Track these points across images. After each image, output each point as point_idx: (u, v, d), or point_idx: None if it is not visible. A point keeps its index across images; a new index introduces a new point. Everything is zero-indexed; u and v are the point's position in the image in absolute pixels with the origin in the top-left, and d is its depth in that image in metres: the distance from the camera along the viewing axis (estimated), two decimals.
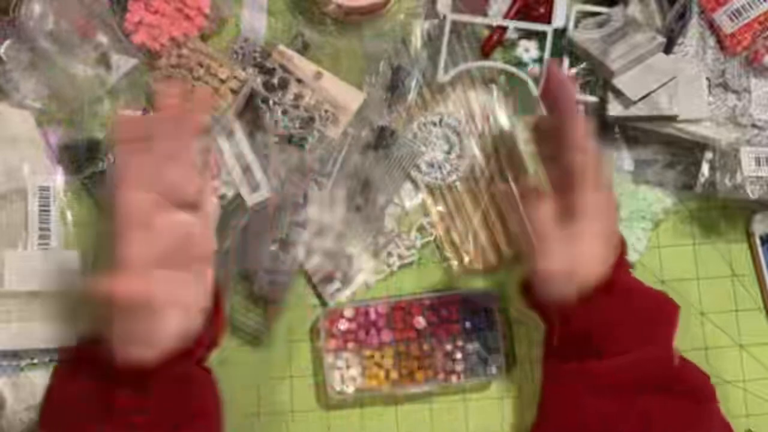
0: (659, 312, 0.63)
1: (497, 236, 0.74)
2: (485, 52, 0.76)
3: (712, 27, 0.73)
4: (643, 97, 0.71)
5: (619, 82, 0.71)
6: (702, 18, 0.73)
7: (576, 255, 0.59)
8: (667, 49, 0.72)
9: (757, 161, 0.71)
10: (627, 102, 0.71)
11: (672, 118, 0.71)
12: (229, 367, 0.73)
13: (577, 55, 0.74)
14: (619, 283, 0.61)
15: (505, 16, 0.76)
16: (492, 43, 0.76)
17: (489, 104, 0.76)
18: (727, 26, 0.73)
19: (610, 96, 0.72)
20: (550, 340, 0.64)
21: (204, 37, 0.75)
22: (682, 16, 0.73)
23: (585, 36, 0.72)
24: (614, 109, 0.71)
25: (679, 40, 0.72)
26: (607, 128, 0.74)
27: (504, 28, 0.75)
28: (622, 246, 0.64)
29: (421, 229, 0.75)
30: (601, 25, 0.73)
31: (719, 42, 0.73)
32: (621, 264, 0.62)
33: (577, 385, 0.61)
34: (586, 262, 0.60)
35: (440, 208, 0.75)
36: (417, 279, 0.75)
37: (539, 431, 0.64)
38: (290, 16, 0.77)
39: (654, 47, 0.71)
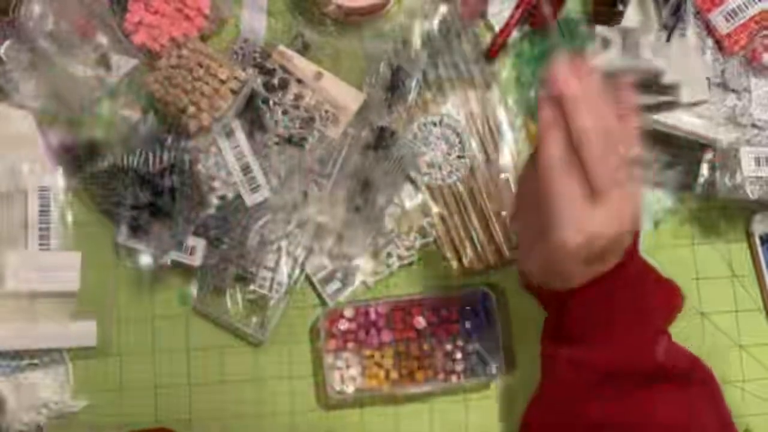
0: (661, 300, 0.62)
1: (497, 236, 0.74)
2: (491, 55, 0.76)
3: (709, 27, 0.73)
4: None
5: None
6: (698, 18, 0.74)
7: (595, 225, 0.52)
8: None
9: (757, 161, 0.71)
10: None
11: (674, 104, 0.71)
12: (229, 367, 0.73)
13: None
14: (629, 268, 0.57)
15: (509, 20, 0.75)
16: (497, 46, 0.76)
17: (489, 104, 0.76)
18: (723, 27, 0.73)
19: None
20: (548, 324, 0.64)
21: (204, 38, 0.75)
22: (677, 11, 0.73)
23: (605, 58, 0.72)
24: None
25: (679, 41, 0.73)
26: None
27: (508, 32, 0.75)
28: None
29: (421, 229, 0.75)
30: (605, 46, 0.73)
31: (717, 42, 0.73)
32: (634, 248, 0.59)
33: (567, 374, 0.61)
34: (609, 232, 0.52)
35: (440, 208, 0.75)
36: (417, 279, 0.75)
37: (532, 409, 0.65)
38: (290, 17, 0.77)
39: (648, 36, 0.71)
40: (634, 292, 0.60)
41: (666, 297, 0.63)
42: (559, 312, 0.60)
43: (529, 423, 0.66)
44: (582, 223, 0.51)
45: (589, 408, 0.59)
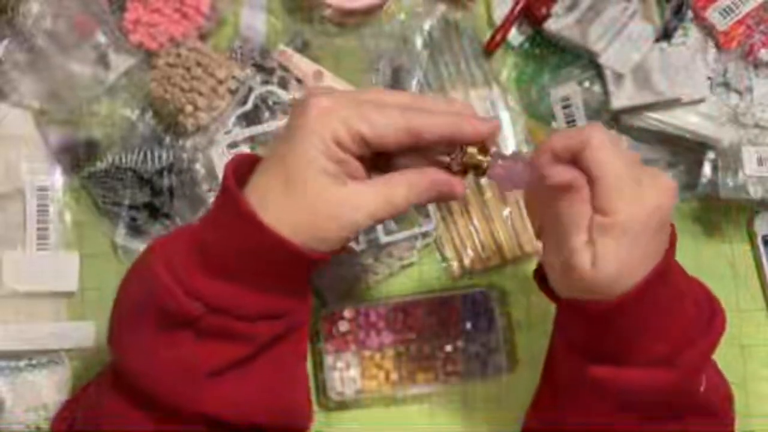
0: (700, 317, 0.55)
1: (497, 236, 0.74)
2: (488, 48, 0.76)
3: (705, 25, 0.73)
4: (645, 83, 0.71)
5: (604, 60, 0.72)
6: (695, 16, 0.73)
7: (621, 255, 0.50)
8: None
9: (759, 161, 0.71)
10: (621, 82, 0.72)
11: (675, 102, 0.71)
12: None
13: (557, 46, 0.75)
14: (666, 282, 0.52)
15: (508, 17, 0.75)
16: (496, 42, 0.75)
17: (490, 103, 0.76)
18: (720, 23, 0.73)
19: (610, 88, 0.72)
20: (568, 332, 0.58)
21: (202, 37, 0.75)
22: (679, 11, 0.73)
23: (560, 24, 0.72)
24: (618, 100, 0.71)
25: (681, 41, 0.72)
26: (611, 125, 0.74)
27: (508, 27, 0.75)
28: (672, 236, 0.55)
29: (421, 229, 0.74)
30: (570, 9, 0.73)
31: (714, 40, 0.73)
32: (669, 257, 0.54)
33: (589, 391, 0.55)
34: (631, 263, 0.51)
35: (440, 208, 0.74)
36: (417, 279, 0.75)
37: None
38: (289, 15, 0.76)
39: (628, 16, 0.71)
40: (682, 303, 0.54)
41: (708, 314, 0.56)
42: (589, 326, 0.54)
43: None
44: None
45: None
